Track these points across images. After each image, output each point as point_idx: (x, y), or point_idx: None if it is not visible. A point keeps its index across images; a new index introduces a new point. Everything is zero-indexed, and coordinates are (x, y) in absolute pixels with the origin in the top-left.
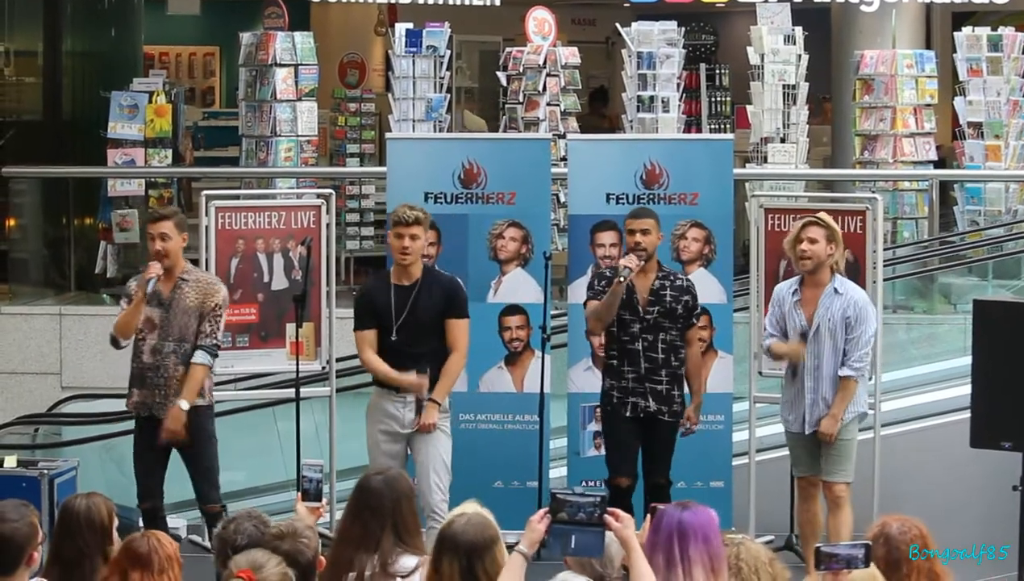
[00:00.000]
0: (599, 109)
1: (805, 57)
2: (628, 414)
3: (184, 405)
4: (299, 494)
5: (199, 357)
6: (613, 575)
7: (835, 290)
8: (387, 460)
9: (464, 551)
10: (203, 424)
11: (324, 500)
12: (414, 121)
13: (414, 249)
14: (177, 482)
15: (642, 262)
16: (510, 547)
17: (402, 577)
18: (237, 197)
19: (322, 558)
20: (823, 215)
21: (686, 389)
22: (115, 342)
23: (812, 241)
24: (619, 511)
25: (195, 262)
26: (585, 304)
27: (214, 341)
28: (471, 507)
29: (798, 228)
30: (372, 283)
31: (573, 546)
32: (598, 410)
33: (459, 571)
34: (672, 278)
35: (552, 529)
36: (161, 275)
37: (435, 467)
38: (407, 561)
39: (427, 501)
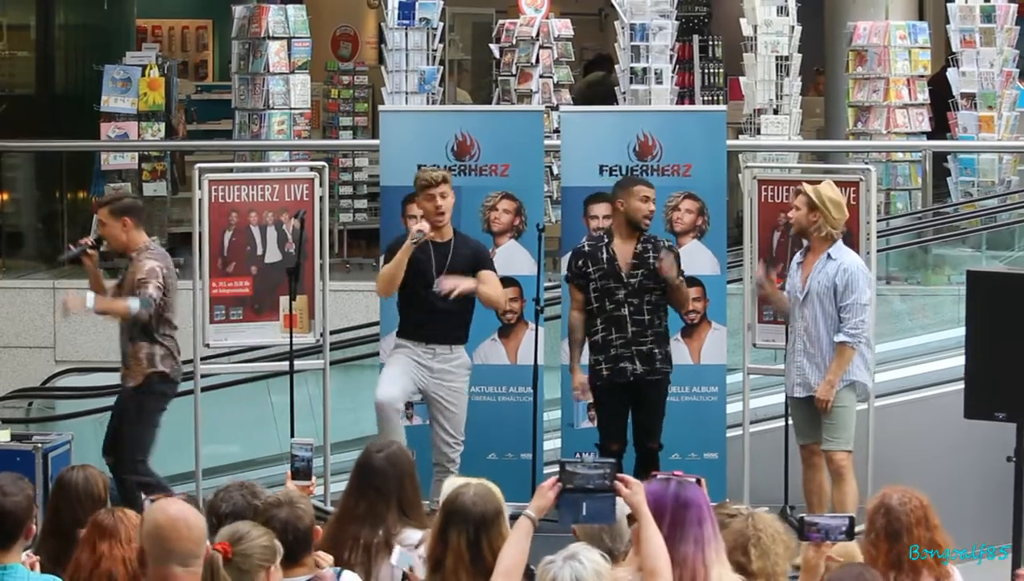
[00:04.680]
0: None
1: (798, 28)
2: (620, 381)
3: (89, 300)
4: (289, 473)
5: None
6: (622, 549)
7: (828, 256)
8: (404, 371)
9: (473, 523)
10: (139, 399)
11: (314, 478)
12: (407, 93)
13: (446, 206)
14: (172, 454)
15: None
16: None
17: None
18: (230, 170)
19: (318, 528)
20: (805, 186)
21: (673, 355)
22: None
23: (796, 209)
24: (629, 477)
25: (187, 235)
26: (567, 280)
27: (144, 293)
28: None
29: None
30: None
31: (585, 513)
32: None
33: (467, 543)
34: (655, 241)
35: (563, 498)
36: None
37: (455, 420)
38: (411, 535)
39: (443, 452)
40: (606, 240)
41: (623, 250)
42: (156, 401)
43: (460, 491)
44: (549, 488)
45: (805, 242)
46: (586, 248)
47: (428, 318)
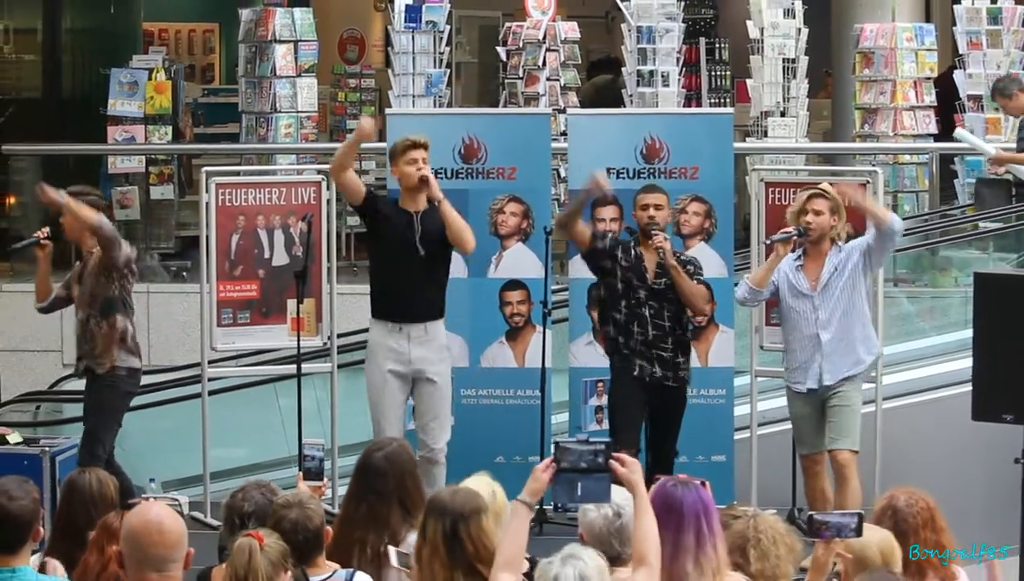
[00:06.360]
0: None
1: (805, 30)
2: (636, 373)
3: (62, 195)
4: (300, 473)
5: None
6: (629, 552)
7: (838, 248)
8: (393, 401)
9: (450, 516)
10: (103, 391)
11: (326, 479)
12: (414, 97)
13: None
14: (179, 458)
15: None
16: None
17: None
18: (237, 173)
19: (328, 529)
20: (826, 186)
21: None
22: None
23: (817, 213)
24: (624, 456)
25: (195, 238)
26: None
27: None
28: (483, 479)
29: (803, 200)
30: (382, 202)
31: (580, 493)
32: (600, 384)
33: (442, 535)
34: (677, 254)
35: (558, 478)
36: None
37: (435, 401)
38: (415, 537)
39: (431, 447)
40: (634, 243)
41: (650, 256)
42: (121, 398)
43: (444, 488)
44: (543, 470)
45: (803, 246)
46: (621, 238)
47: (399, 292)
